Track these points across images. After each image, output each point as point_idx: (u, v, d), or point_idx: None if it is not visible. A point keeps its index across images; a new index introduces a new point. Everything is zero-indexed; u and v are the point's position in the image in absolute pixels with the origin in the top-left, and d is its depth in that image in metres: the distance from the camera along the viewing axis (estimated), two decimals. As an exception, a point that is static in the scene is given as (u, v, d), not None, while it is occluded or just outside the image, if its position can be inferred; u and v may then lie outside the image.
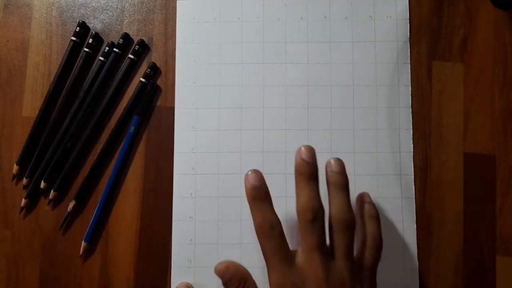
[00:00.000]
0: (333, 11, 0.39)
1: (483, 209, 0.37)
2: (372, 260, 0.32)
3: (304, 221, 0.31)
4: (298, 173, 0.32)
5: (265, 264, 0.31)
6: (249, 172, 0.32)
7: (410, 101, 0.38)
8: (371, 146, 0.37)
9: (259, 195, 0.32)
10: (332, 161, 0.33)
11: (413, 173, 0.37)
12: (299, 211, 0.31)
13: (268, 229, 0.31)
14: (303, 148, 0.32)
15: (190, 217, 0.37)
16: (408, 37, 0.39)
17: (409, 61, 0.38)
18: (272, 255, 0.31)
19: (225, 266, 0.33)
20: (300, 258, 0.31)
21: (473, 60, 0.38)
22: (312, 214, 0.30)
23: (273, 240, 0.31)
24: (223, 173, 0.37)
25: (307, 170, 0.32)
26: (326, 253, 0.31)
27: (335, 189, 0.32)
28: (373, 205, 0.35)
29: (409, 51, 0.38)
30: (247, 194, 0.32)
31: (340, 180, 0.32)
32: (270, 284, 0.31)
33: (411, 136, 0.38)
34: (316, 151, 0.33)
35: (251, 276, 0.33)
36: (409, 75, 0.38)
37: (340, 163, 0.33)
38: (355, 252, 0.32)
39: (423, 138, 0.38)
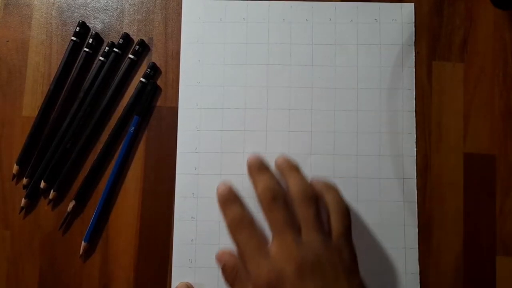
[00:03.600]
0: (339, 14, 0.39)
1: (483, 209, 0.37)
2: (342, 226, 0.31)
3: (265, 202, 0.30)
4: (249, 169, 0.33)
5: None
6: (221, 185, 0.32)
7: (414, 105, 0.38)
8: (374, 149, 0.37)
9: (228, 197, 0.31)
10: (276, 157, 0.34)
11: (415, 177, 0.37)
12: (259, 196, 0.31)
13: (239, 221, 0.30)
14: (249, 155, 0.33)
15: (191, 217, 0.37)
16: (414, 41, 0.38)
17: (413, 65, 0.38)
18: (245, 247, 0.30)
19: (221, 253, 0.32)
20: (272, 244, 0.29)
21: (473, 60, 0.38)
22: (271, 193, 0.30)
23: (244, 231, 0.30)
24: (226, 174, 0.37)
25: (256, 162, 0.32)
26: (297, 229, 0.30)
27: (287, 170, 0.33)
28: (326, 181, 0.34)
29: (414, 55, 0.38)
30: (218, 196, 0.32)
31: (288, 162, 0.33)
32: (249, 277, 0.29)
33: (415, 140, 0.38)
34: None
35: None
36: (414, 79, 0.38)
37: (284, 157, 0.34)
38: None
39: (423, 138, 0.38)
